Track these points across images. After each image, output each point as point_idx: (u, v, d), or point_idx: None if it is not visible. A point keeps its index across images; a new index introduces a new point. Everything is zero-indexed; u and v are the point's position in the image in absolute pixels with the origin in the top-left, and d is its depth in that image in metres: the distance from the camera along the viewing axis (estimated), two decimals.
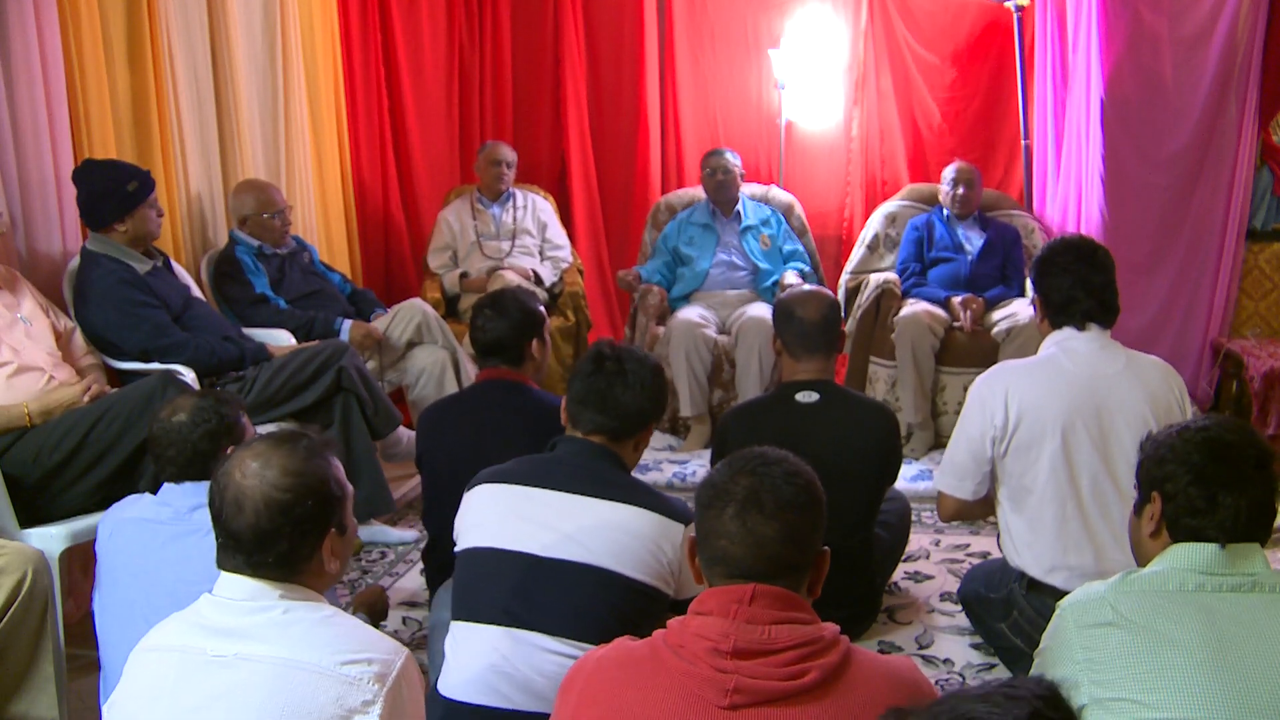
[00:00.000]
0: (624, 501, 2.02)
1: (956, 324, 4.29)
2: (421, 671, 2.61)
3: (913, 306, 4.30)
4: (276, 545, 1.52)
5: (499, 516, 2.06)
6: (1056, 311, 2.53)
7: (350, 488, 1.64)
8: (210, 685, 1.43)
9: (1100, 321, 2.51)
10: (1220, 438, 1.63)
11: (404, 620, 2.99)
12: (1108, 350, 2.49)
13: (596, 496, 2.03)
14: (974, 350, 4.20)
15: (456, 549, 2.14)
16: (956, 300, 4.32)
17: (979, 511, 2.69)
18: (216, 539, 1.56)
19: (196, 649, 1.47)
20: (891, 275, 4.54)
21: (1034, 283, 2.60)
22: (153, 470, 2.65)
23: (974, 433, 2.53)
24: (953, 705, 1.02)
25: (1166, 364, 2.55)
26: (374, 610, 2.65)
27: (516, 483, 2.08)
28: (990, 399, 2.50)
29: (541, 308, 2.86)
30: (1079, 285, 2.49)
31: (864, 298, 4.48)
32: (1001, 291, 4.41)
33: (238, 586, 1.52)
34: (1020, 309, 4.21)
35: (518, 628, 1.97)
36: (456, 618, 2.07)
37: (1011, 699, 1.01)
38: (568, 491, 2.04)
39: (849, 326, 4.50)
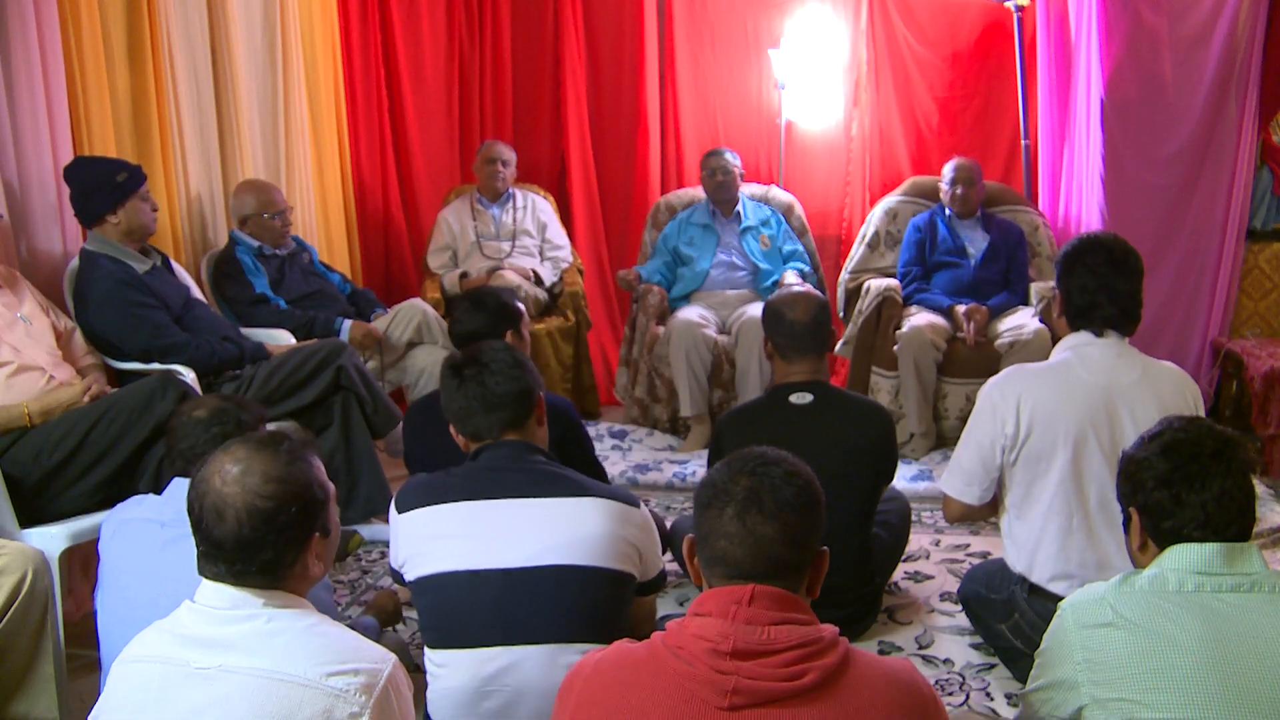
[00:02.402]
0: (578, 495, 2.02)
1: (960, 335, 4.25)
2: (419, 671, 2.62)
3: (915, 319, 4.24)
4: (260, 554, 1.48)
5: (457, 537, 2.01)
6: (1077, 314, 2.46)
7: (333, 488, 1.61)
8: (194, 699, 1.41)
9: (1120, 329, 2.44)
10: (1174, 439, 1.64)
11: (405, 620, 2.99)
12: (1124, 358, 2.42)
13: (550, 496, 2.01)
14: (977, 361, 4.13)
15: (409, 576, 2.08)
16: (960, 310, 4.25)
17: (985, 514, 2.67)
18: (197, 546, 1.52)
19: (179, 660, 1.44)
20: (893, 282, 4.48)
21: (1058, 278, 2.51)
22: (153, 470, 2.68)
23: (984, 439, 2.48)
24: None
25: (1183, 373, 2.49)
26: (385, 613, 2.64)
27: (462, 499, 2.03)
28: (1002, 406, 2.44)
29: (520, 305, 2.86)
30: (1104, 290, 2.41)
31: (865, 304, 4.42)
32: (1005, 299, 4.34)
33: (220, 595, 1.49)
34: (1025, 320, 4.15)
35: (504, 645, 1.95)
36: (434, 645, 2.04)
37: None
38: (520, 497, 2.01)
39: (849, 333, 4.46)
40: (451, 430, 2.19)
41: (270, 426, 3.12)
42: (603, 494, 2.04)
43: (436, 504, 2.05)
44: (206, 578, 1.51)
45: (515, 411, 2.10)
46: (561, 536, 1.97)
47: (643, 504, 2.12)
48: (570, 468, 2.16)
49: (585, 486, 2.05)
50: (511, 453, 2.09)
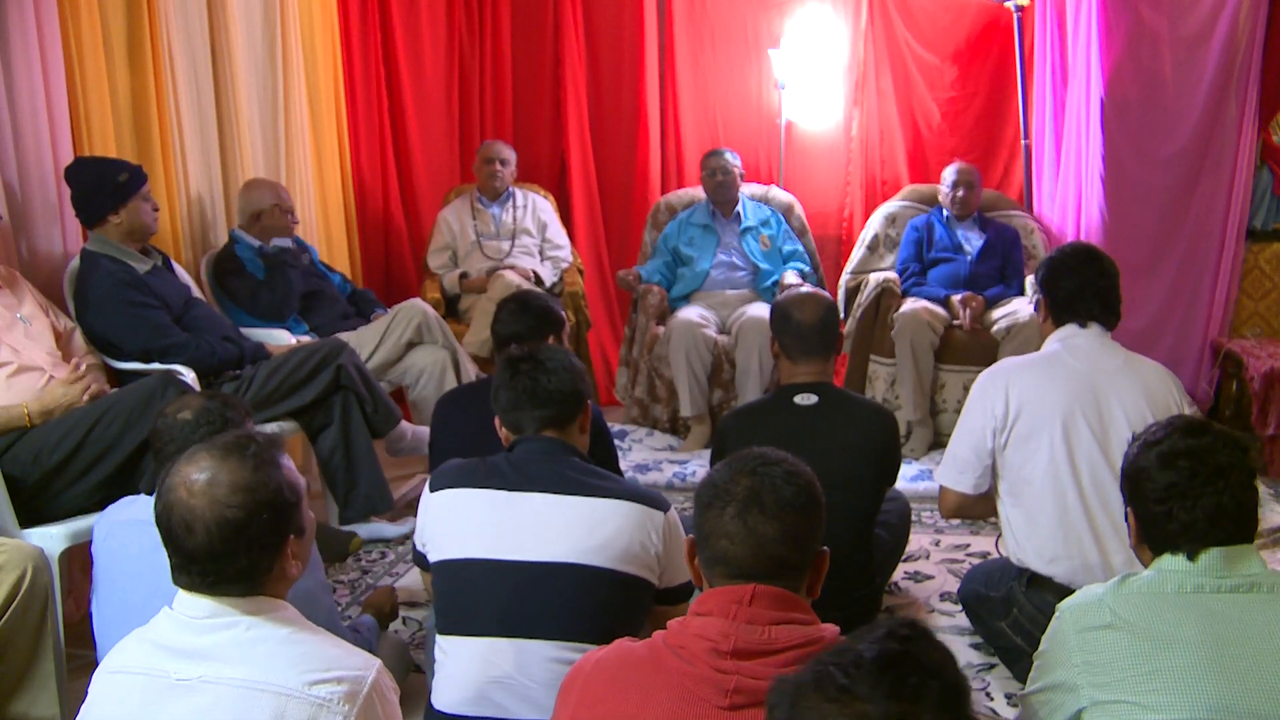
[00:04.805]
0: (604, 496, 2.01)
1: (956, 322, 4.30)
2: (419, 671, 2.62)
3: (912, 304, 4.31)
4: (234, 564, 1.44)
5: (480, 524, 2.03)
6: (1061, 309, 2.59)
7: (303, 482, 1.57)
8: (176, 710, 1.39)
9: (1102, 321, 2.56)
10: (1173, 449, 1.63)
11: (404, 620, 2.99)
12: (1108, 348, 2.54)
13: (576, 494, 2.01)
14: (973, 348, 4.21)
15: (432, 558, 2.10)
16: (956, 298, 4.33)
17: (980, 509, 2.70)
18: (169, 558, 1.48)
19: (160, 672, 1.42)
20: (891, 274, 4.54)
21: (1040, 284, 2.65)
22: (153, 469, 2.67)
23: (975, 425, 2.56)
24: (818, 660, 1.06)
25: (1164, 367, 2.59)
26: (383, 613, 2.64)
27: (491, 487, 2.05)
28: (991, 392, 2.54)
29: (564, 313, 2.89)
30: (1085, 286, 2.55)
31: (864, 296, 4.49)
32: (1001, 290, 4.41)
33: (197, 605, 1.46)
34: (1020, 307, 4.22)
35: (512, 637, 1.95)
36: (444, 631, 2.04)
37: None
38: (546, 492, 2.02)
39: (849, 326, 4.50)
40: (496, 422, 2.20)
41: (270, 427, 3.16)
42: (629, 496, 2.03)
43: (468, 487, 2.06)
44: (181, 588, 1.48)
45: (560, 411, 2.12)
46: (579, 536, 1.98)
47: (672, 508, 2.10)
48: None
49: (612, 489, 2.04)
50: (546, 449, 2.09)
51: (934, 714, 0.99)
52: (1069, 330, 2.57)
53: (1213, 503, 1.58)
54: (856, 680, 1.00)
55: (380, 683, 1.47)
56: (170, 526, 1.46)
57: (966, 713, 1.02)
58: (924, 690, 1.00)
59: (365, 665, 1.47)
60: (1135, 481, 1.67)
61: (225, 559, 1.44)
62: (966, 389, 4.27)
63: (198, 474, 1.46)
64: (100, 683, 1.48)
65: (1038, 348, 4.10)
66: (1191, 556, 1.59)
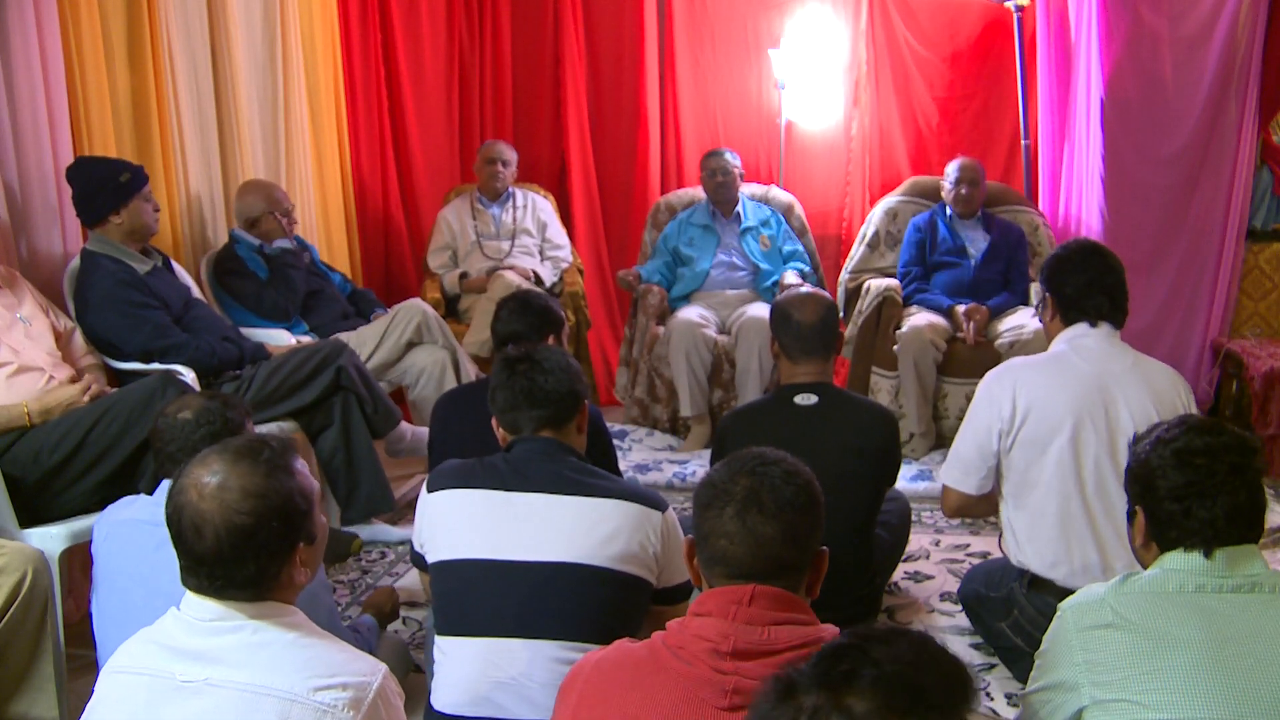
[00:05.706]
0: (601, 495, 2.02)
1: (959, 334, 4.25)
2: (419, 671, 2.62)
3: (914, 320, 4.24)
4: (242, 569, 1.44)
5: (478, 525, 2.03)
6: (1069, 307, 2.54)
7: (316, 489, 1.56)
8: (180, 712, 1.39)
9: (1111, 320, 2.52)
10: (1189, 447, 1.62)
11: (404, 620, 2.99)
12: (1117, 348, 2.51)
13: (574, 494, 2.02)
14: (977, 361, 4.09)
15: (430, 559, 2.10)
16: (960, 310, 4.25)
17: (982, 509, 2.69)
18: (179, 559, 1.47)
19: (165, 673, 1.41)
20: (893, 282, 4.48)
21: (1046, 282, 2.60)
22: (153, 469, 2.67)
23: (980, 426, 2.54)
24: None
25: (1174, 370, 2.56)
26: (383, 613, 2.64)
27: (489, 487, 2.05)
28: (999, 393, 2.51)
29: (563, 312, 2.89)
30: (1092, 282, 2.51)
31: (865, 305, 4.42)
32: (1006, 299, 4.33)
33: (204, 608, 1.46)
34: (1026, 320, 4.15)
35: (511, 637, 1.96)
36: (443, 632, 2.05)
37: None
38: (544, 492, 2.02)
39: (850, 333, 4.45)
40: (494, 422, 2.20)
41: (270, 427, 3.16)
42: (626, 496, 2.03)
43: (465, 488, 2.07)
44: (189, 589, 1.47)
45: (557, 411, 2.12)
46: (577, 535, 1.98)
47: (670, 509, 2.10)
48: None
49: (610, 488, 2.05)
50: (543, 449, 2.10)
51: (866, 701, 0.95)
52: (1078, 330, 2.52)
53: (1230, 501, 1.59)
54: (802, 674, 1.00)
55: (385, 688, 1.47)
56: (180, 529, 1.45)
57: (914, 706, 0.96)
58: (855, 677, 0.97)
59: (371, 671, 1.46)
60: (1147, 479, 1.66)
61: (234, 564, 1.44)
62: (969, 399, 4.28)
63: (209, 477, 1.45)
64: (105, 682, 1.48)
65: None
66: (1208, 554, 1.59)
